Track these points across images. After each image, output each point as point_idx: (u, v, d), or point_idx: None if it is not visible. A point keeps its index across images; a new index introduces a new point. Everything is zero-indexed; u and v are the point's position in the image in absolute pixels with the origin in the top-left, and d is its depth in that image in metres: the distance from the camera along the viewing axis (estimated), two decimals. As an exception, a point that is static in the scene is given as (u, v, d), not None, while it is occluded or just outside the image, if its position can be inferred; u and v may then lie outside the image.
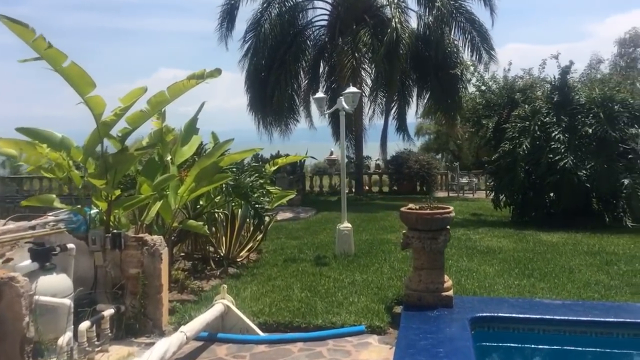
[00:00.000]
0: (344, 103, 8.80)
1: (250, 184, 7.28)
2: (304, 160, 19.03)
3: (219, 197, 7.68)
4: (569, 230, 10.57)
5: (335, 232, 8.72)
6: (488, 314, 5.33)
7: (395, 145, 22.11)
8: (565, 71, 11.77)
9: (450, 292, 5.58)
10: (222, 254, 7.95)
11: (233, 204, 8.09)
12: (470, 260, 8.07)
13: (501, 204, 12.53)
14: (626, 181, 10.78)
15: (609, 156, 11.07)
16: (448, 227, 5.65)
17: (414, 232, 5.56)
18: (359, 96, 9.15)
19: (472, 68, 13.99)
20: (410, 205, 5.79)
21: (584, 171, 10.91)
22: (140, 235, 5.29)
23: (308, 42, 19.91)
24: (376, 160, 23.00)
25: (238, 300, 5.83)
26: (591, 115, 11.18)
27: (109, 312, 4.79)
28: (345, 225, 8.51)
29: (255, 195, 7.31)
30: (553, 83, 12.12)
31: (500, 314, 5.34)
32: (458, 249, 8.74)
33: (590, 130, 11.01)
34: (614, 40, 29.51)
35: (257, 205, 7.22)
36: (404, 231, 5.73)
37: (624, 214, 11.26)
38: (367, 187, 21.33)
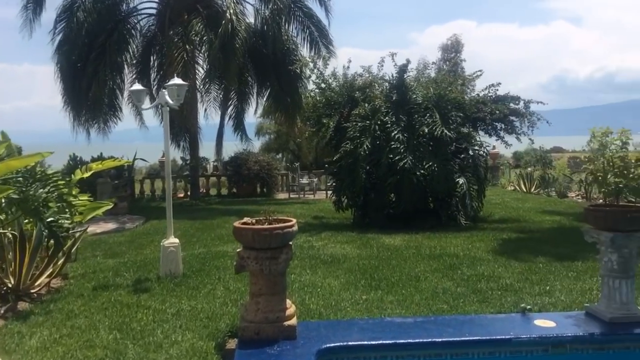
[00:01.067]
0: (167, 97, 7.54)
1: (44, 196, 5.74)
2: (133, 163, 17.14)
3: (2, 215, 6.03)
4: (409, 231, 10.41)
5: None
6: (336, 344, 4.56)
7: (234, 145, 21.03)
8: (402, 70, 11.67)
9: (294, 321, 4.72)
10: (10, 285, 6.26)
11: (25, 221, 6.45)
12: (314, 272, 7.36)
13: (343, 205, 12.13)
14: (461, 180, 10.93)
15: (444, 155, 11.14)
16: (290, 242, 4.80)
17: (250, 252, 4.59)
18: (185, 89, 7.95)
19: (311, 65, 13.38)
20: (245, 220, 4.80)
21: (422, 171, 10.84)
22: None
23: (134, 32, 17.88)
24: (213, 162, 21.66)
25: (19, 352, 4.39)
26: (428, 114, 11.19)
27: None
28: (171, 241, 7.24)
29: (52, 210, 5.78)
30: (391, 82, 12.00)
31: (349, 343, 4.61)
32: (301, 260, 7.98)
33: (426, 130, 10.98)
34: (437, 45, 31.64)
35: (53, 224, 5.69)
36: (238, 250, 4.74)
37: (457, 213, 11.44)
38: (204, 190, 19.96)
